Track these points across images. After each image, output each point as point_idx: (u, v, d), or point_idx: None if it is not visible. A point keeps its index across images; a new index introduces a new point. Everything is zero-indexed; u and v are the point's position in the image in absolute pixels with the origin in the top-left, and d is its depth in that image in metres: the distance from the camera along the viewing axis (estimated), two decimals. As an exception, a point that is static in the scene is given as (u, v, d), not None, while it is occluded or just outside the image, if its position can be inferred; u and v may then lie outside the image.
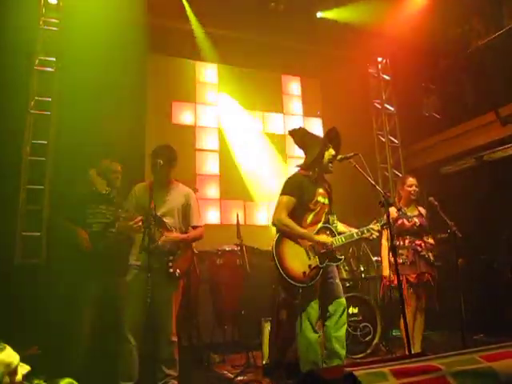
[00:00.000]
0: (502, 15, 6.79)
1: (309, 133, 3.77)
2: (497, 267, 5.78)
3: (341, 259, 3.56)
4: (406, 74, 7.70)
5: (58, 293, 4.57)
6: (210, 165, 7.03)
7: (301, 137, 3.74)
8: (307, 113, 7.95)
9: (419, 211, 4.70)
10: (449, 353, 2.23)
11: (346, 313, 3.54)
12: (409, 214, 4.64)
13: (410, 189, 4.69)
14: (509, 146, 6.45)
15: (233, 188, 7.01)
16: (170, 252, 3.70)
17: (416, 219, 4.61)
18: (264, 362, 4.47)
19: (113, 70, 5.75)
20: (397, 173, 8.01)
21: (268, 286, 5.21)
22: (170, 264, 3.68)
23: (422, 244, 4.57)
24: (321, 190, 3.62)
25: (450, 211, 4.67)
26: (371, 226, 3.59)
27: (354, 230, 3.60)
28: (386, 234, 4.67)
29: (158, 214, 3.69)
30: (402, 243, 4.60)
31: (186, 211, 3.91)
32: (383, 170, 8.04)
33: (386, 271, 4.58)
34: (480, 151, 6.80)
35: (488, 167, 6.65)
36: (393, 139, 8.15)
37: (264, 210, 7.11)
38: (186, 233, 3.89)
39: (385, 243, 4.64)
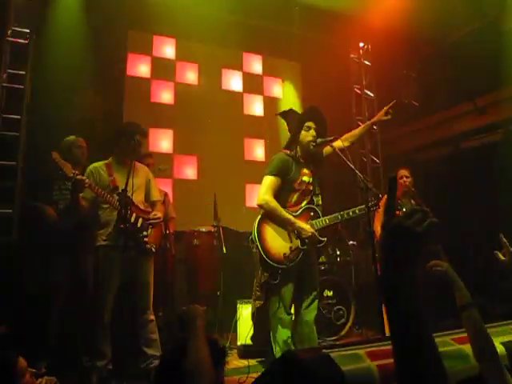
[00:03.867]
0: (484, 7, 6.83)
1: (295, 113, 3.74)
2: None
3: (323, 241, 3.52)
4: (387, 61, 7.71)
5: (31, 270, 4.49)
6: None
7: (288, 118, 3.72)
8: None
9: (412, 205, 4.75)
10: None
11: (317, 299, 3.58)
12: (403, 206, 4.70)
13: (403, 182, 4.77)
14: (484, 135, 6.56)
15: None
16: (143, 229, 3.68)
17: None
18: (239, 344, 4.49)
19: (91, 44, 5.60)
20: (374, 159, 8.07)
21: (244, 267, 5.23)
22: (146, 240, 3.67)
23: None
24: (305, 170, 3.58)
25: (426, 198, 4.75)
26: (357, 208, 3.54)
27: (339, 212, 3.54)
28: (378, 220, 4.72)
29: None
30: None
31: (147, 187, 3.93)
32: (361, 156, 8.08)
33: None
34: (457, 139, 6.91)
35: (464, 155, 6.76)
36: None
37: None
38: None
39: (379, 230, 4.70)
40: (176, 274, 4.97)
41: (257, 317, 4.07)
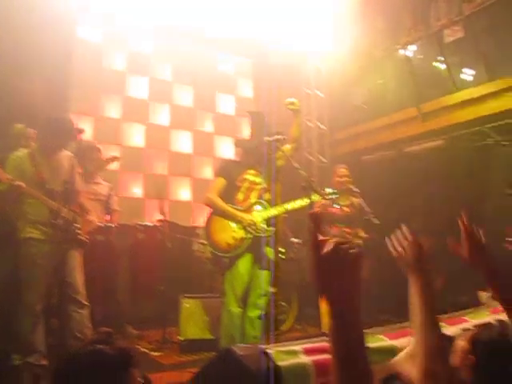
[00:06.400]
0: (430, 15, 7.11)
1: (262, 119, 3.86)
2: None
3: (267, 230, 3.66)
4: (338, 63, 7.83)
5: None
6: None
7: (254, 119, 3.87)
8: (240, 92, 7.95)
9: (351, 201, 4.83)
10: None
11: (265, 297, 3.63)
12: (340, 203, 4.78)
13: (340, 179, 4.86)
14: (427, 140, 6.80)
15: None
16: (74, 220, 3.62)
17: (346, 208, 4.76)
18: (181, 338, 4.47)
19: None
20: (322, 158, 8.19)
21: (190, 262, 5.21)
22: (78, 231, 3.62)
23: (351, 231, 4.74)
24: (251, 171, 3.78)
25: (369, 199, 4.87)
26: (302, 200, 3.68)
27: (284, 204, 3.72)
28: None
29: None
30: (331, 230, 4.73)
31: (71, 176, 3.78)
32: (308, 155, 8.18)
33: None
34: (401, 143, 7.13)
35: (407, 159, 6.99)
36: (320, 125, 8.29)
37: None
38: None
39: None
40: (118, 268, 4.88)
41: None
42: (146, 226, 5.18)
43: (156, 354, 4.32)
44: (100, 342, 1.23)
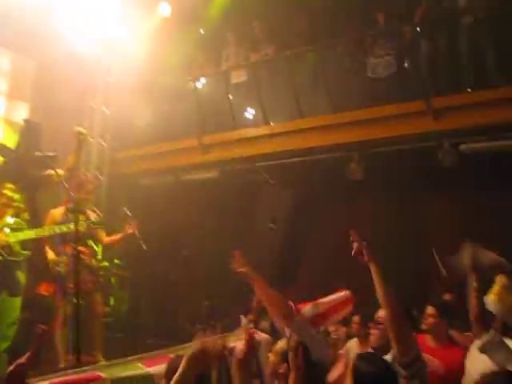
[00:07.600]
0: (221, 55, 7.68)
1: (37, 130, 3.58)
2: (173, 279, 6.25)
3: (22, 254, 3.41)
4: (128, 80, 7.72)
5: None
6: None
7: (27, 129, 3.56)
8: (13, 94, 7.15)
9: (88, 216, 4.41)
10: (115, 361, 2.35)
11: (14, 325, 3.32)
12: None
13: (86, 196, 4.54)
14: (204, 171, 7.14)
15: None
16: None
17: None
18: None
19: None
20: (99, 176, 7.84)
21: None
22: None
23: (86, 251, 4.32)
24: (10, 185, 3.44)
25: (143, 222, 4.87)
26: (64, 225, 3.67)
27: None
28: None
29: None
30: (65, 250, 4.18)
31: None
32: (85, 171, 7.75)
33: None
34: (180, 171, 7.33)
35: (184, 187, 7.23)
36: (101, 141, 7.97)
37: None
38: None
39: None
40: None
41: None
42: None
43: None
44: None
